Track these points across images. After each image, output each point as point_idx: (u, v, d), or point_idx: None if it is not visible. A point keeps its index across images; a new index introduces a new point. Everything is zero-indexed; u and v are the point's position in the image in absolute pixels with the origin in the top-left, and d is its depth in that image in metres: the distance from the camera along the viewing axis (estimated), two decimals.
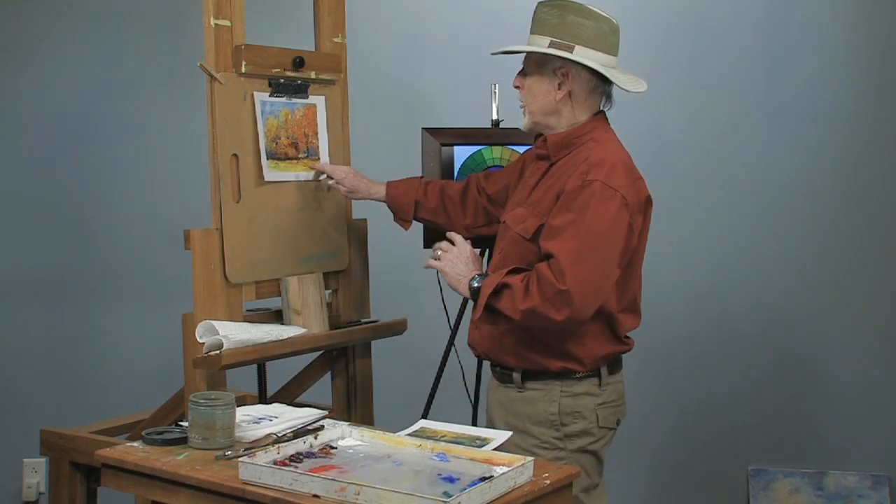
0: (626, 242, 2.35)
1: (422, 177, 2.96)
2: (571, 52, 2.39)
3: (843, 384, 3.64)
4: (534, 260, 2.38)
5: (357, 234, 3.03)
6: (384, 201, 2.88)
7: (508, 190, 2.70)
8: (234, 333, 2.56)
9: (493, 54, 2.56)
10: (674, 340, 3.69)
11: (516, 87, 2.51)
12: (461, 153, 3.10)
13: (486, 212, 2.79)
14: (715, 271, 3.72)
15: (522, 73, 2.50)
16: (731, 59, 3.67)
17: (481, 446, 2.14)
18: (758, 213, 3.68)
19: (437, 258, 2.51)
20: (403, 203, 2.85)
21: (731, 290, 3.71)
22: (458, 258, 2.48)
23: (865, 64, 3.59)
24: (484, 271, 2.50)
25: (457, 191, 2.83)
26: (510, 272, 2.38)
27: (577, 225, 2.30)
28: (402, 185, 2.86)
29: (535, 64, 2.46)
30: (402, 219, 2.88)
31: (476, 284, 2.42)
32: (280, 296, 2.79)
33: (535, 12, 2.48)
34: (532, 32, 2.46)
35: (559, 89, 2.44)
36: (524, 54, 2.50)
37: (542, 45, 2.42)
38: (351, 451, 2.13)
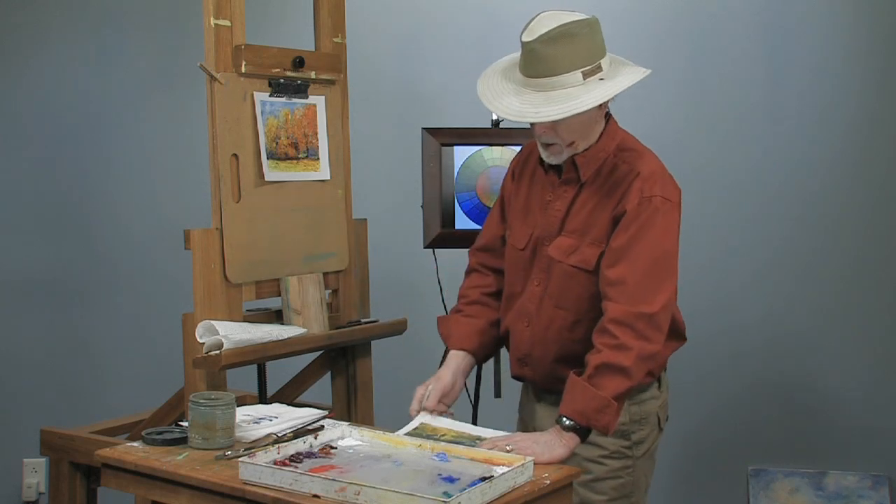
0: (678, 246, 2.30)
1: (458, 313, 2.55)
2: (603, 72, 2.23)
3: (843, 384, 3.64)
4: (596, 290, 2.25)
5: (357, 234, 3.03)
6: (477, 358, 2.51)
7: (507, 220, 2.50)
8: (234, 333, 2.56)
9: (532, 123, 2.25)
10: None
11: (542, 132, 2.26)
12: (461, 153, 3.10)
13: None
14: (715, 271, 3.71)
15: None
16: (731, 59, 3.67)
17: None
18: (759, 214, 3.68)
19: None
20: (491, 341, 2.52)
21: (732, 290, 3.71)
22: (526, 440, 2.13)
23: (866, 64, 3.58)
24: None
25: (490, 278, 2.54)
26: (579, 372, 2.17)
27: (643, 243, 2.19)
28: (467, 333, 2.47)
29: None
30: (497, 348, 2.58)
31: (569, 422, 2.13)
32: (280, 296, 2.79)
33: (535, 52, 2.19)
34: (548, 74, 2.19)
35: (599, 109, 2.27)
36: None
37: (574, 81, 2.18)
38: (351, 451, 2.13)
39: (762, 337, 3.69)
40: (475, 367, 3.12)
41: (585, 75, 2.20)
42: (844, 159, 3.61)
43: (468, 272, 2.59)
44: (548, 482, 1.98)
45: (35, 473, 3.95)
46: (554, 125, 2.24)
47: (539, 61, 2.20)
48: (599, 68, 2.22)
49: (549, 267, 2.34)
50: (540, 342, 2.36)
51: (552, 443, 2.11)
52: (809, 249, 3.65)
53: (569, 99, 2.18)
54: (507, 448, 2.08)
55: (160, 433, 2.22)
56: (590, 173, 2.30)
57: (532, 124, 2.28)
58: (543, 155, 2.34)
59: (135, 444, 2.22)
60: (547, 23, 2.20)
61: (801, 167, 3.64)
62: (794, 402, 3.69)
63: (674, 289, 2.28)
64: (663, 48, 3.70)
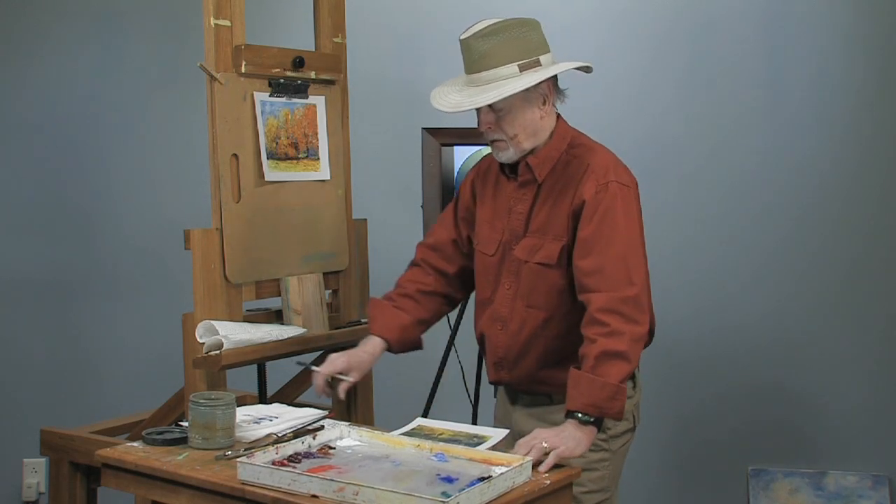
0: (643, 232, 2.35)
1: (381, 299, 2.59)
2: (542, 66, 2.29)
3: (843, 384, 3.64)
4: (563, 284, 2.31)
5: (357, 234, 3.03)
6: (393, 350, 2.54)
7: (473, 227, 2.53)
8: (234, 333, 2.56)
9: (478, 120, 2.34)
10: (674, 340, 3.69)
11: (487, 128, 2.33)
12: (461, 153, 3.11)
13: (457, 246, 2.58)
14: (715, 271, 3.71)
15: (494, 112, 2.31)
16: (731, 60, 3.67)
17: (477, 444, 2.15)
18: (759, 214, 3.68)
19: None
20: (411, 338, 2.56)
21: (732, 290, 3.71)
22: (554, 436, 2.11)
23: (866, 64, 3.58)
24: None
25: (431, 277, 2.57)
26: (579, 363, 2.18)
27: (610, 229, 2.23)
28: (391, 324, 2.51)
29: (517, 97, 2.29)
30: (415, 347, 2.59)
31: (584, 416, 2.14)
32: (280, 296, 2.79)
33: (471, 47, 2.30)
34: (485, 68, 2.27)
35: (544, 106, 2.34)
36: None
37: (510, 73, 2.26)
38: (349, 451, 2.13)
39: (762, 336, 3.69)
40: (475, 366, 3.13)
41: (522, 68, 2.28)
42: (844, 159, 3.61)
43: (411, 265, 2.63)
44: (548, 482, 1.98)
45: (35, 473, 3.95)
46: (497, 119, 2.32)
47: (477, 57, 2.30)
48: (538, 63, 2.29)
49: (518, 269, 2.38)
50: (515, 344, 2.39)
51: (577, 436, 2.12)
52: (809, 249, 3.65)
53: (502, 87, 2.25)
54: (544, 446, 2.07)
55: (160, 433, 2.22)
56: (545, 173, 2.36)
57: (479, 122, 2.35)
58: (494, 154, 2.41)
59: (135, 444, 2.22)
60: (484, 23, 2.32)
61: (801, 167, 3.64)
62: (794, 402, 3.68)
63: (647, 267, 2.32)
64: (663, 48, 3.70)
